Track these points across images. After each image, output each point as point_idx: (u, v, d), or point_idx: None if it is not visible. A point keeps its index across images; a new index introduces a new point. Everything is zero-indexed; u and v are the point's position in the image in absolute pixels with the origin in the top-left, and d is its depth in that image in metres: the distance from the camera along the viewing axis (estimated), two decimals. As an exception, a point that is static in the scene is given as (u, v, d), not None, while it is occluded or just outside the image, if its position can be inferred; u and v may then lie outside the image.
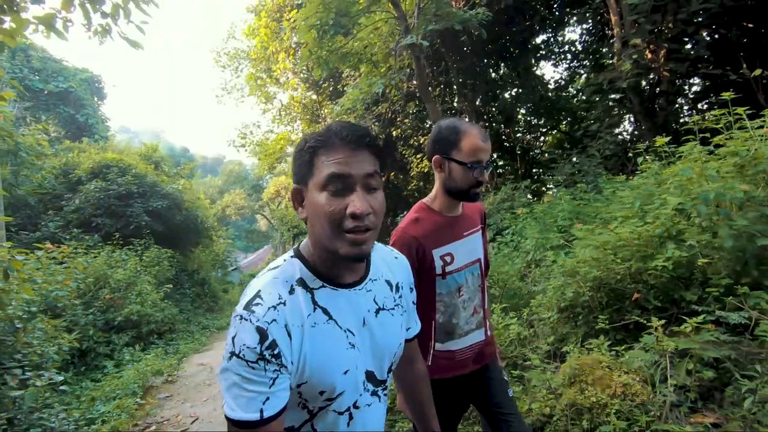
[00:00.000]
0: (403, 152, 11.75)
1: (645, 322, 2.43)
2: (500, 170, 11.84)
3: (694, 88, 8.42)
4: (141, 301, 6.57)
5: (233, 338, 0.74)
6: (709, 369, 2.22)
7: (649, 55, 7.71)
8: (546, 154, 11.96)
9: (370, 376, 0.90)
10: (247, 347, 0.72)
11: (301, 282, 0.82)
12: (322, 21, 5.06)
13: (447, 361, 1.48)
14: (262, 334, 0.73)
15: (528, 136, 13.67)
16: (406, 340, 1.04)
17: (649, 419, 2.09)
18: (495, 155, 12.67)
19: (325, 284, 0.84)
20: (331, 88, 11.40)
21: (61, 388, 3.79)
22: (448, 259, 1.43)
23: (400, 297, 0.99)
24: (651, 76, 7.81)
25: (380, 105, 9.17)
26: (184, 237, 10.86)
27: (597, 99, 8.34)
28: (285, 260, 0.86)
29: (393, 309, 0.95)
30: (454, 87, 10.73)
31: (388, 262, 1.01)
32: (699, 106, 8.00)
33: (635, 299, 2.73)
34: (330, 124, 0.80)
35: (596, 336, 2.74)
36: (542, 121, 12.92)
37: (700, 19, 6.55)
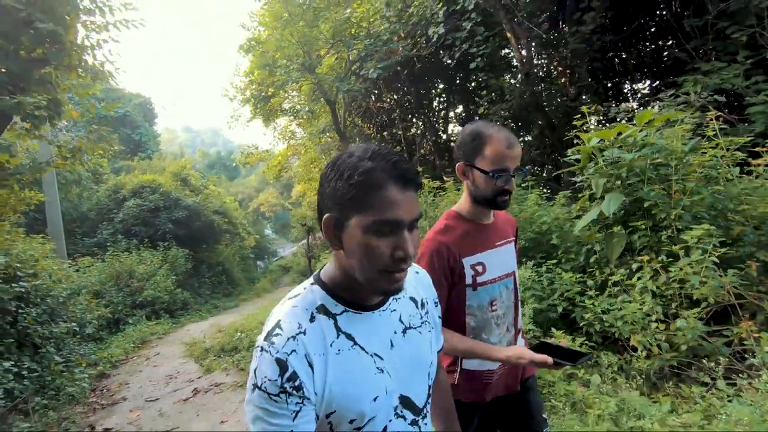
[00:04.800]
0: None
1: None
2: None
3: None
4: (155, 287, 9.55)
5: (255, 370, 0.74)
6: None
7: (562, 80, 9.44)
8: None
9: (406, 403, 0.86)
10: (268, 380, 0.72)
11: (323, 308, 0.81)
12: (254, 95, 7.44)
13: (475, 382, 1.41)
14: (282, 365, 0.72)
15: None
16: None
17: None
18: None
19: (347, 309, 0.82)
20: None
21: (91, 337, 6.66)
22: (479, 268, 1.36)
23: (427, 313, 0.97)
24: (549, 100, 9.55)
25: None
26: (202, 238, 14.01)
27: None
28: (305, 288, 0.85)
29: (420, 326, 0.93)
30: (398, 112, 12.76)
31: (409, 279, 0.97)
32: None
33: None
34: (373, 154, 0.74)
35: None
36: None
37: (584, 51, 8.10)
